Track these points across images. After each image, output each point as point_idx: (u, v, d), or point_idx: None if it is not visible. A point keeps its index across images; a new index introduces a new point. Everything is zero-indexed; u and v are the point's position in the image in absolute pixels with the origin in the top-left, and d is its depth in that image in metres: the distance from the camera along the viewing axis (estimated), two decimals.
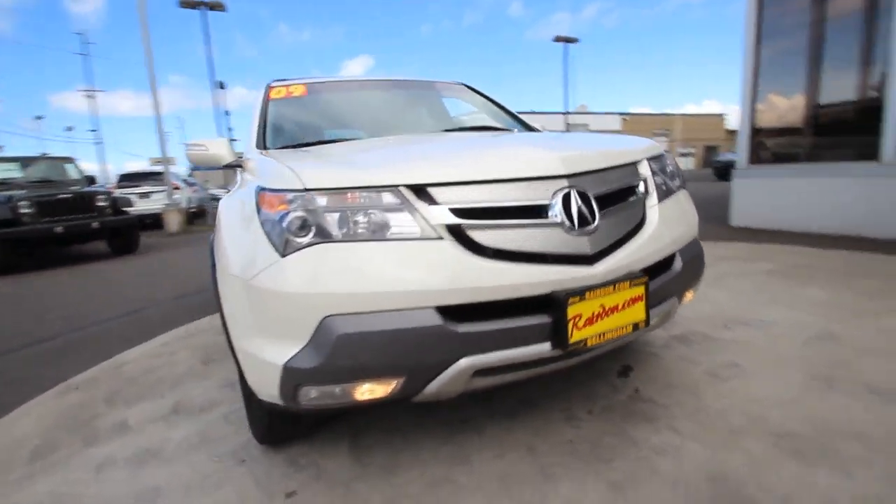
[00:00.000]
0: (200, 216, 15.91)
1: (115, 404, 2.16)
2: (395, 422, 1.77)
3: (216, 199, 16.61)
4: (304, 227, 1.18)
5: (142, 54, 10.40)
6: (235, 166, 2.10)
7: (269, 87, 2.47)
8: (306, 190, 1.21)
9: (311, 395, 1.20)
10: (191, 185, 15.11)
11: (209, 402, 2.09)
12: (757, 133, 5.11)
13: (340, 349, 1.11)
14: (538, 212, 1.24)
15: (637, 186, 1.48)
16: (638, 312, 1.27)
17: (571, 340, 1.17)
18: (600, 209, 1.30)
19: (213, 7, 16.69)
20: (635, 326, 1.27)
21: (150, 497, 1.48)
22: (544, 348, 1.20)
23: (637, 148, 1.60)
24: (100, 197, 6.82)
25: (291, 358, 1.15)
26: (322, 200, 1.20)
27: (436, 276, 1.13)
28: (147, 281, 5.25)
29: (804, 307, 2.64)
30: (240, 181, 2.02)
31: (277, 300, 1.16)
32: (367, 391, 1.19)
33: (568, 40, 25.31)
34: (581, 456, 1.49)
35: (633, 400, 1.80)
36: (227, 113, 18.97)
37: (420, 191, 1.20)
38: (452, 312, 1.14)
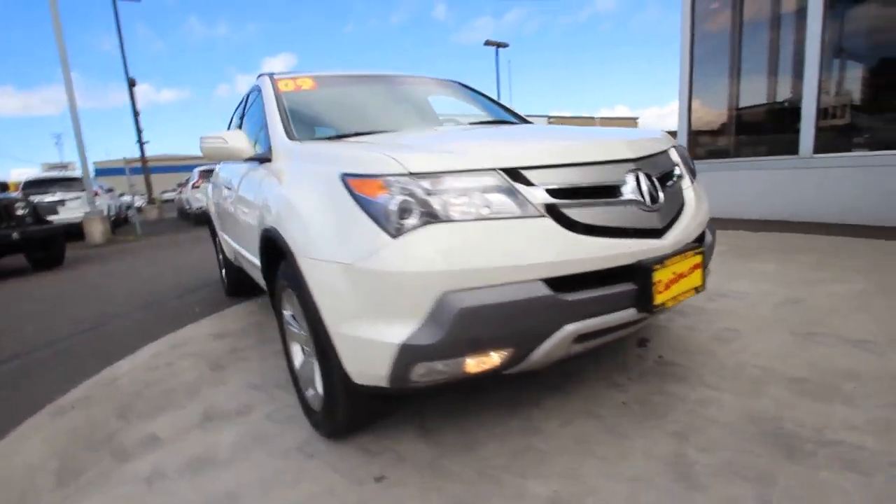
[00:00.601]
0: (120, 225, 14.51)
1: (130, 419, 2.01)
2: (451, 405, 1.83)
3: (132, 207, 15.09)
4: (411, 209, 1.22)
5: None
6: (263, 160, 2.04)
7: (273, 80, 2.41)
8: (410, 174, 1.25)
9: (423, 371, 1.24)
10: (107, 191, 13.73)
11: (242, 405, 2.01)
12: (695, 133, 5.73)
13: (461, 323, 1.17)
14: (613, 191, 1.38)
15: (674, 170, 1.68)
16: (697, 278, 1.46)
17: (656, 303, 1.32)
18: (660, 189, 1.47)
19: None
20: (696, 290, 1.46)
21: (228, 500, 1.43)
22: (630, 313, 1.35)
23: (665, 137, 1.80)
24: (18, 204, 6.03)
25: (409, 336, 1.19)
26: (426, 183, 1.24)
27: (541, 250, 1.23)
28: (94, 295, 4.76)
29: (763, 280, 3.05)
30: (264, 174, 1.98)
31: (392, 280, 1.19)
32: (478, 363, 1.26)
33: (499, 45, 26.18)
34: (638, 415, 1.66)
35: (661, 365, 2.01)
36: (136, 113, 17.28)
37: (515, 173, 1.29)
38: (554, 284, 1.25)
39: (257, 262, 2.16)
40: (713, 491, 1.27)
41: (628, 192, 1.39)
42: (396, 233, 1.21)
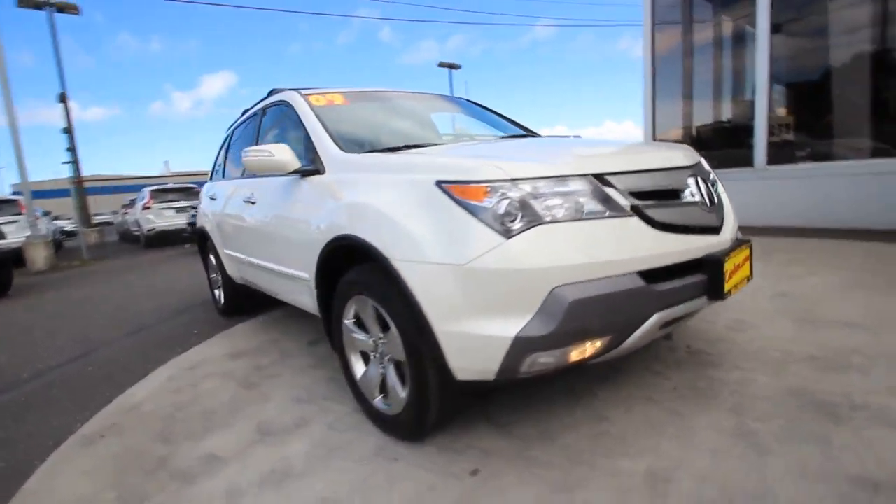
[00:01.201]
0: (57, 250, 13.38)
1: (176, 442, 1.92)
2: (515, 401, 1.91)
3: (66, 232, 13.76)
4: (517, 212, 1.32)
5: None
6: (310, 172, 2.06)
7: (305, 96, 2.45)
8: (513, 180, 1.35)
9: (531, 362, 1.33)
10: (44, 214, 12.67)
11: (297, 418, 1.99)
12: None
13: (571, 314, 1.27)
14: (679, 194, 1.55)
15: (711, 175, 1.89)
16: (746, 269, 1.66)
17: (725, 291, 1.49)
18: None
19: (62, 9, 14.41)
20: (747, 279, 1.65)
21: None
22: (703, 301, 1.50)
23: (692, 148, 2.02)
24: None
25: (523, 328, 1.28)
26: (527, 188, 1.35)
27: (634, 246, 1.37)
28: (67, 324, 4.39)
29: None
30: (319, 185, 2.01)
31: (508, 277, 1.28)
32: (580, 352, 1.36)
33: (451, 66, 26.93)
34: (691, 397, 1.81)
35: (692, 354, 2.20)
36: (65, 131, 16.05)
37: (603, 179, 1.42)
38: (645, 276, 1.38)
39: (300, 273, 2.16)
40: (783, 453, 1.43)
41: (691, 194, 1.56)
42: (508, 234, 1.30)
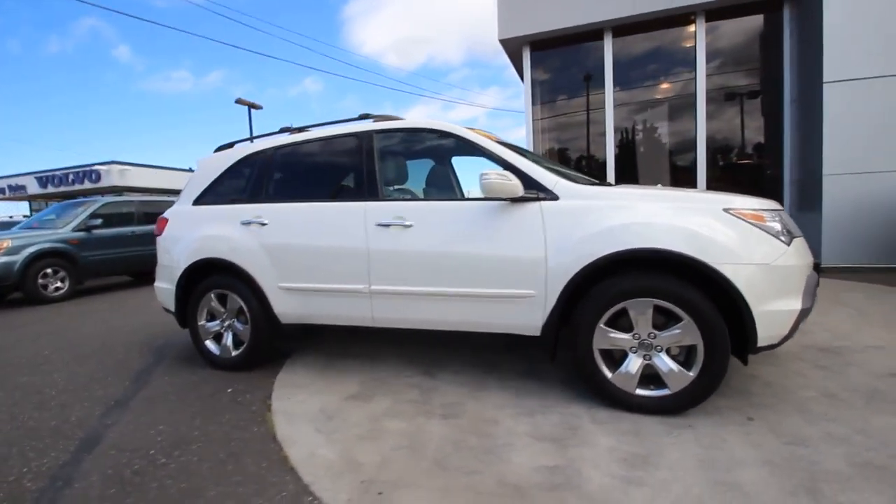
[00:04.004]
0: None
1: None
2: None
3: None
4: (784, 229, 2.08)
5: None
6: (543, 198, 2.30)
7: (471, 130, 2.63)
8: (774, 210, 2.11)
9: (796, 327, 2.04)
10: None
11: (566, 427, 2.10)
12: None
13: (813, 293, 2.09)
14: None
15: None
16: None
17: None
18: None
19: None
20: None
21: (713, 477, 1.75)
22: None
23: None
24: None
25: (802, 303, 2.01)
26: (776, 215, 2.12)
27: (803, 252, 2.24)
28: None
29: None
30: (552, 209, 2.27)
31: (790, 270, 2.02)
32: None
33: (252, 105, 25.35)
34: (781, 393, 2.74)
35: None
36: None
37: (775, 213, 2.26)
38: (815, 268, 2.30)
39: (521, 291, 2.29)
40: None
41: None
42: (788, 243, 2.03)
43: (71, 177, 21.76)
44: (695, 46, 6.67)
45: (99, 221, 7.19)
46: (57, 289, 6.70)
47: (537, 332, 2.35)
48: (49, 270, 6.62)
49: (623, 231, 2.14)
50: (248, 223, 2.99)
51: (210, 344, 3.19)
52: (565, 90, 7.71)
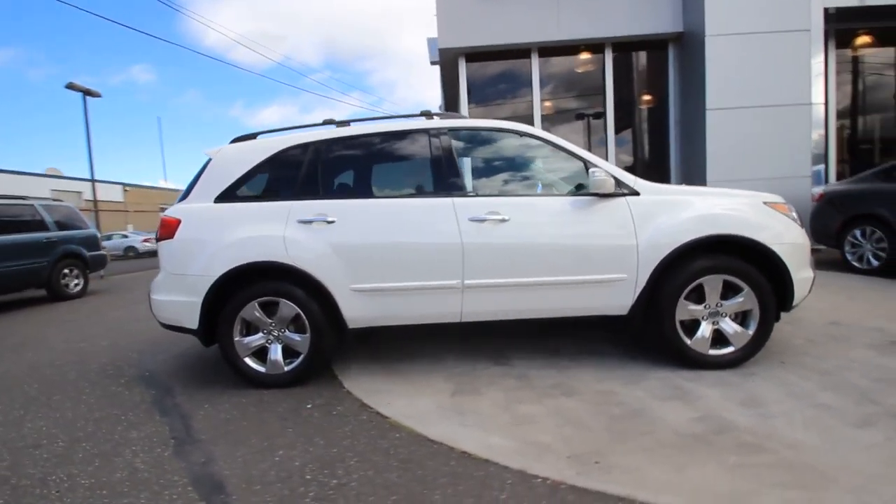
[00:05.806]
0: None
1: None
2: None
3: None
4: (798, 219, 2.77)
5: None
6: (628, 194, 2.64)
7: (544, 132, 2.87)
8: (786, 204, 2.79)
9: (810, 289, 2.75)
10: None
11: (672, 386, 2.45)
12: None
13: (812, 263, 2.82)
14: None
15: None
16: None
17: None
18: None
19: None
20: None
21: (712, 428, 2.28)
22: None
23: None
24: None
25: (812, 271, 2.72)
26: (792, 207, 2.81)
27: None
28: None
29: None
30: (635, 203, 2.65)
31: (807, 247, 2.74)
32: None
33: (89, 92, 21.03)
34: (810, 365, 3.54)
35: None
36: None
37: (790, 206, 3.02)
38: None
39: (613, 275, 2.61)
40: None
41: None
42: (802, 227, 2.72)
43: None
44: (603, 70, 7.85)
45: None
46: None
47: (625, 312, 2.69)
48: None
49: (699, 221, 2.60)
50: (307, 222, 2.73)
51: (250, 361, 2.81)
52: (498, 97, 8.35)
